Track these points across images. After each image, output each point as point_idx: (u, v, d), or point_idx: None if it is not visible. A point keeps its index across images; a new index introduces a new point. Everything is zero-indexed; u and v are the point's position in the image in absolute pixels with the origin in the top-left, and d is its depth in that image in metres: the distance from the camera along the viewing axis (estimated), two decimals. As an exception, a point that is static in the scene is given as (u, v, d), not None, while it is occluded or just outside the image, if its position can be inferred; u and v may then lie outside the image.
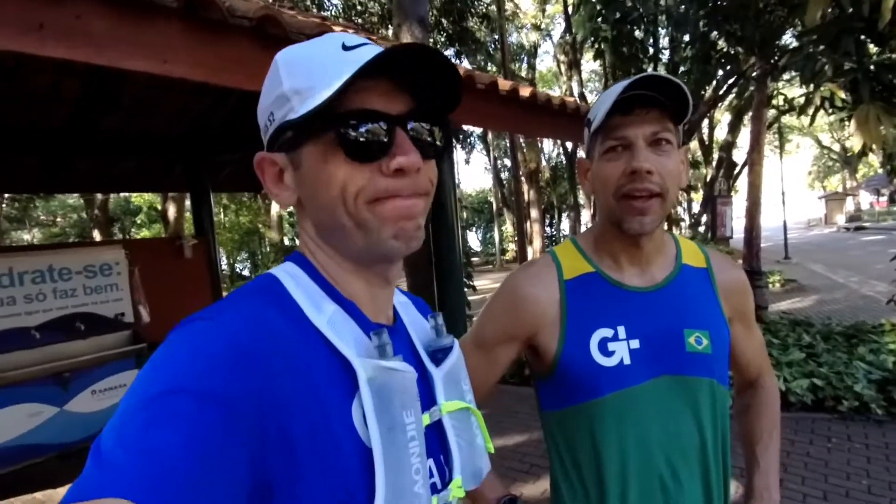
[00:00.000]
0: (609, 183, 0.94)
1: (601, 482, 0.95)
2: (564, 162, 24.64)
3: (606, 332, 0.95)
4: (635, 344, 0.94)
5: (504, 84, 3.58)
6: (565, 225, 29.49)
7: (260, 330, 0.50)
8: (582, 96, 18.54)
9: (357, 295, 0.61)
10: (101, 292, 4.46)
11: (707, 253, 1.08)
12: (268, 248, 22.97)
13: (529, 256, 17.36)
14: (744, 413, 1.15)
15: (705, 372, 0.95)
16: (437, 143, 0.61)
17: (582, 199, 25.37)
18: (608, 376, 0.93)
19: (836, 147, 38.99)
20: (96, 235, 15.31)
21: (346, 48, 0.57)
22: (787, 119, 17.28)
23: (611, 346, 0.94)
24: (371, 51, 0.56)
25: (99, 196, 14.46)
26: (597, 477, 0.95)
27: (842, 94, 4.68)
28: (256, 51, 2.32)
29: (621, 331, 0.95)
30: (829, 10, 4.01)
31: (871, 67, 4.44)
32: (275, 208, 20.30)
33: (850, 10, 4.09)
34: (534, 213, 21.33)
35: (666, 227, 1.07)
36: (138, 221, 25.85)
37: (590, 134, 0.98)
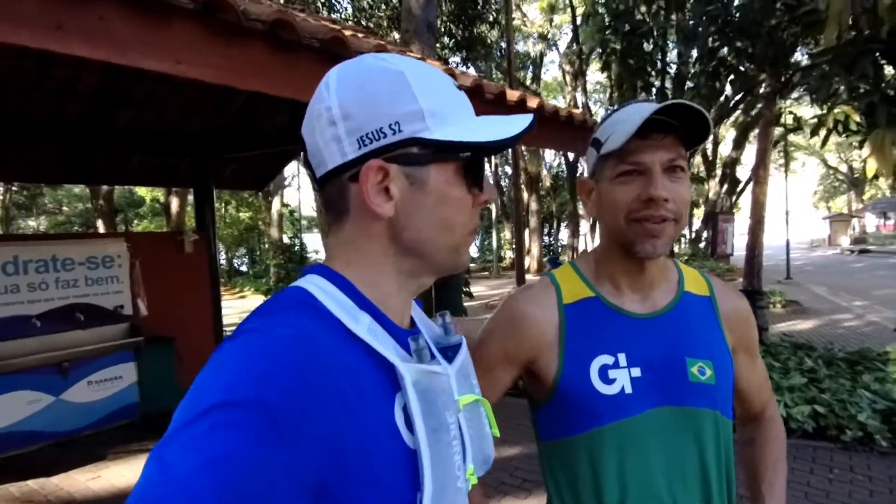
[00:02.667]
0: (620, 207, 0.92)
1: None
2: (566, 172, 24.70)
3: (607, 359, 0.93)
4: (636, 372, 0.92)
5: (512, 95, 3.57)
6: (563, 234, 29.50)
7: (310, 343, 0.52)
8: (586, 107, 18.59)
9: (389, 305, 0.64)
10: (102, 284, 4.48)
11: (710, 281, 1.05)
12: (266, 245, 22.96)
13: (526, 264, 17.33)
14: (748, 447, 1.12)
15: (708, 403, 0.93)
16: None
17: (581, 210, 25.42)
18: (609, 405, 0.91)
19: (844, 167, 38.98)
20: (100, 225, 15.35)
21: (455, 86, 0.65)
22: (794, 137, 17.26)
23: (611, 373, 0.92)
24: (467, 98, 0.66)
25: (104, 187, 14.51)
26: None
27: (856, 117, 4.65)
28: (269, 54, 2.31)
29: (622, 358, 0.93)
30: (847, 30, 3.98)
31: (890, 91, 4.41)
32: (275, 206, 20.32)
33: (869, 31, 4.07)
34: (532, 221, 21.35)
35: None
36: (141, 213, 25.93)
37: (598, 155, 0.96)
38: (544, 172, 25.65)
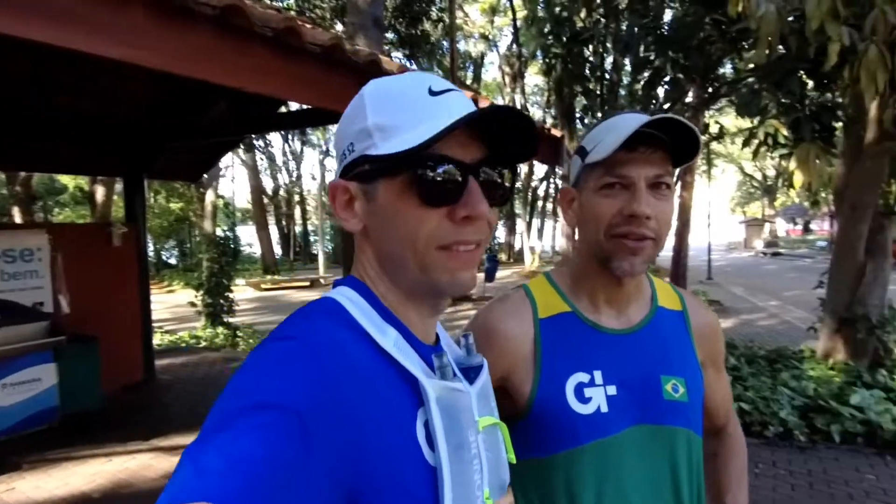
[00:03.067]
0: (601, 220, 0.90)
1: None
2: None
3: (583, 377, 0.91)
4: (612, 390, 0.91)
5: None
6: (500, 232, 29.98)
7: (340, 352, 0.53)
8: (525, 109, 19.00)
9: (410, 320, 0.64)
10: (21, 279, 4.17)
11: (682, 295, 1.06)
12: (198, 238, 21.96)
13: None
14: (711, 461, 1.13)
15: (682, 422, 0.93)
16: (505, 190, 0.65)
17: (518, 209, 25.96)
18: (585, 424, 0.89)
19: (759, 175, 41.80)
20: (16, 213, 14.12)
21: (432, 93, 0.59)
22: (715, 146, 18.33)
23: (587, 391, 0.90)
24: (457, 99, 0.59)
25: (22, 172, 13.35)
26: None
27: (784, 132, 4.99)
28: (219, 40, 2.19)
29: (598, 376, 0.91)
30: (777, 48, 4.26)
31: (813, 108, 4.76)
32: (209, 198, 19.50)
33: (796, 50, 4.36)
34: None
35: None
36: (62, 201, 24.13)
37: (583, 164, 0.94)
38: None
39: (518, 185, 25.91)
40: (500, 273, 16.93)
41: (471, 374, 0.68)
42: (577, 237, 1.00)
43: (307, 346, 0.52)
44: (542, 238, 26.25)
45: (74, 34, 1.67)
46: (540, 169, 23.56)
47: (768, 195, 42.89)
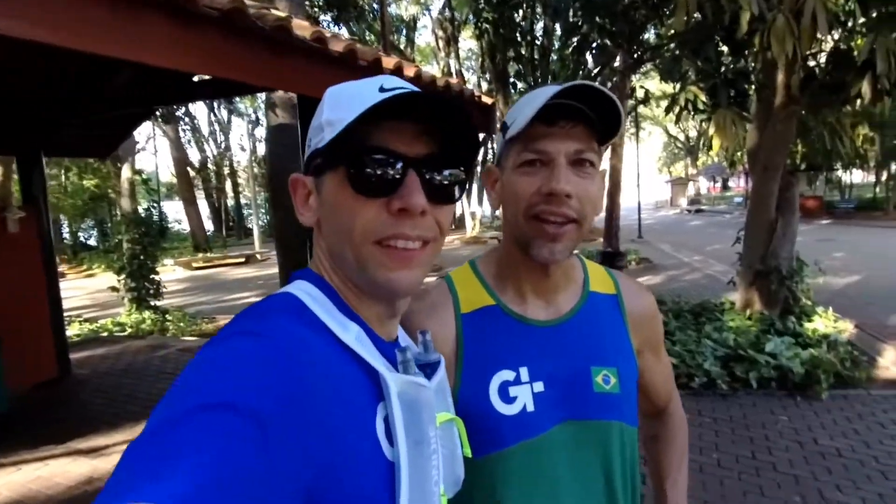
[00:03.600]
0: (520, 200, 0.83)
1: None
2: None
3: (508, 375, 0.86)
4: (539, 387, 0.86)
5: (388, 62, 3.42)
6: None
7: (300, 349, 0.51)
8: (460, 74, 18.74)
9: (369, 317, 0.63)
10: None
11: (616, 279, 1.00)
12: (119, 216, 20.61)
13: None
14: (652, 443, 1.12)
15: (614, 414, 0.88)
16: (454, 188, 0.63)
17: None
18: (510, 426, 0.84)
19: (682, 136, 43.62)
20: None
21: (382, 90, 0.58)
22: (642, 109, 18.91)
23: (512, 391, 0.85)
24: (402, 95, 0.58)
25: None
26: None
27: (703, 97, 5.15)
28: (107, 9, 1.95)
29: (524, 373, 0.86)
30: (695, 16, 4.35)
31: (729, 75, 4.93)
32: (125, 174, 18.28)
33: (713, 18, 4.46)
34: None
35: None
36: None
37: (504, 140, 0.87)
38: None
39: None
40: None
41: (428, 370, 0.67)
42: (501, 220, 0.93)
43: (267, 342, 0.50)
44: (482, 203, 26.38)
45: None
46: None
47: (691, 155, 44.98)
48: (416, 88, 0.59)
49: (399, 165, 0.58)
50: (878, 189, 25.16)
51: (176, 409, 0.43)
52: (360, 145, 0.57)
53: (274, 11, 2.83)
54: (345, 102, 0.59)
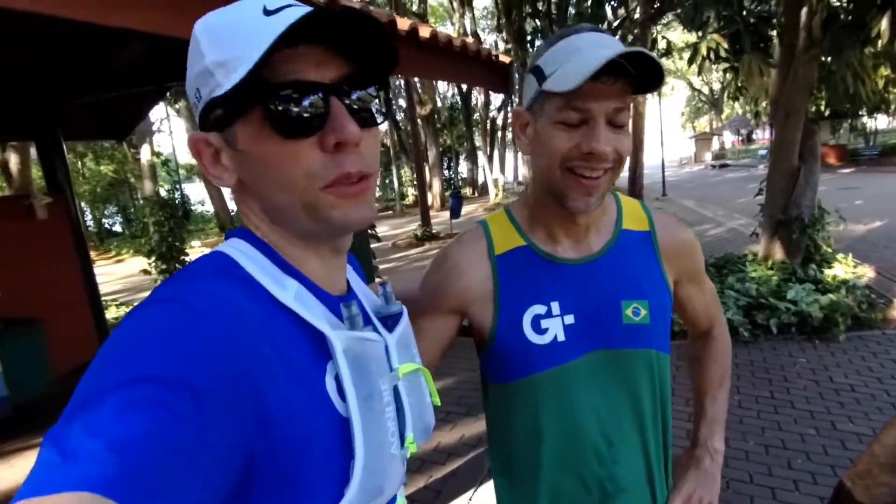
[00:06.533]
0: (557, 154, 0.85)
1: (536, 454, 0.96)
2: (460, 103, 24.53)
3: (539, 309, 0.92)
4: (570, 319, 0.92)
5: (403, 24, 3.37)
6: (463, 167, 29.72)
7: (230, 312, 0.48)
8: (476, 34, 18.31)
9: (312, 270, 0.61)
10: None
11: (651, 215, 1.02)
12: (141, 201, 21.01)
13: (430, 201, 17.35)
14: (695, 363, 1.17)
15: (643, 343, 0.94)
16: (378, 108, 0.59)
17: (478, 141, 25.62)
18: (542, 354, 0.92)
19: (706, 90, 42.20)
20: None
21: (267, 12, 0.51)
22: (664, 62, 18.31)
23: (544, 323, 0.92)
24: (295, 13, 0.50)
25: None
26: (532, 449, 0.96)
27: (725, 45, 4.99)
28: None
29: (555, 307, 0.92)
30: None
31: (752, 20, 4.76)
32: (144, 155, 18.38)
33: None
34: (431, 156, 21.22)
35: None
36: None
37: (540, 89, 0.86)
38: (439, 104, 25.29)
39: (476, 116, 25.47)
40: (466, 208, 16.94)
41: (389, 321, 0.67)
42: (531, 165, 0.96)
43: (193, 308, 0.47)
44: (505, 170, 26.10)
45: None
46: (496, 98, 23.12)
47: (715, 108, 43.55)
48: (299, 4, 0.54)
49: (319, 96, 0.52)
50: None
51: (98, 386, 0.40)
52: (271, 82, 0.51)
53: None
54: (228, 37, 0.52)
